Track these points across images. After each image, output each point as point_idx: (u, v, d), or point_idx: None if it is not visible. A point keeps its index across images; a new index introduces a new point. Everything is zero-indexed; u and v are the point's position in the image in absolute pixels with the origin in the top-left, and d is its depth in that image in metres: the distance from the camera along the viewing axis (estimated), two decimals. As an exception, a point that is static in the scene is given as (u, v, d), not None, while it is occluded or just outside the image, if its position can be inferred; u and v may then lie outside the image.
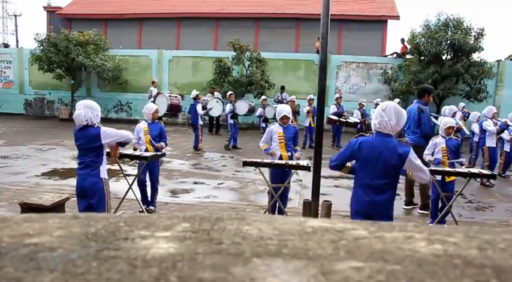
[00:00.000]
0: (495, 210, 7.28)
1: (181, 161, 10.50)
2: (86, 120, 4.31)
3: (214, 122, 16.22)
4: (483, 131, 9.50)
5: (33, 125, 17.12)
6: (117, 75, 18.94)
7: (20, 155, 10.52)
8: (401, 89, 16.52)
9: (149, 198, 6.46)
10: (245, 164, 5.38)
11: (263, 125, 13.94)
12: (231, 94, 13.35)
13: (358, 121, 13.03)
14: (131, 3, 23.76)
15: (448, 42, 15.86)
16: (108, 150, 4.70)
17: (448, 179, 5.85)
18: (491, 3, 72.33)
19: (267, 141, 6.04)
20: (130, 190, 5.58)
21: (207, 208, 6.62)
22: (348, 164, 3.92)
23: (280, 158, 5.86)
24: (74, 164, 9.02)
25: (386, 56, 19.68)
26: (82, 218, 0.93)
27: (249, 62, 17.66)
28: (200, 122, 11.93)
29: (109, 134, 4.37)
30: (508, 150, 9.78)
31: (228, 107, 12.89)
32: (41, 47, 18.01)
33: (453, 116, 9.26)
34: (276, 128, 5.99)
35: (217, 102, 13.34)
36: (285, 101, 16.00)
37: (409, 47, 17.72)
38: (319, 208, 4.76)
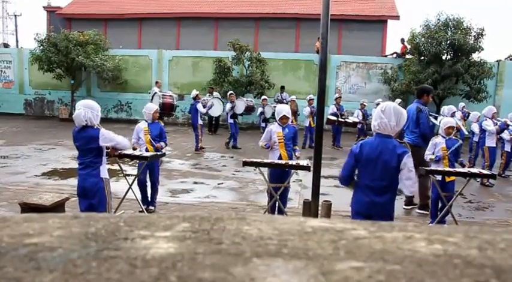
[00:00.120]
0: (495, 210, 7.28)
1: (181, 161, 10.50)
2: (86, 121, 4.32)
3: (214, 122, 16.23)
4: (483, 131, 9.50)
5: (33, 125, 17.12)
6: (117, 75, 18.95)
7: (19, 155, 10.52)
8: (401, 89, 16.52)
9: (149, 198, 6.46)
10: (245, 164, 5.38)
11: (263, 124, 13.96)
12: (231, 94, 13.37)
13: (357, 121, 13.04)
14: (131, 3, 23.76)
15: (448, 42, 15.87)
16: (107, 149, 4.71)
17: (448, 179, 5.85)
18: (491, 3, 72.36)
19: (266, 141, 6.04)
20: (130, 190, 5.57)
21: (207, 208, 6.62)
22: (355, 178, 3.91)
23: (280, 157, 5.86)
24: (74, 164, 9.02)
25: (386, 56, 19.68)
26: (82, 218, 0.93)
27: (249, 62, 17.67)
28: (200, 122, 11.94)
29: (107, 138, 4.38)
30: (509, 150, 9.77)
31: (228, 106, 12.95)
32: (41, 47, 18.01)
33: (452, 115, 9.25)
34: (275, 128, 5.99)
35: (218, 101, 13.35)
36: (284, 101, 16.02)
37: (409, 47, 17.72)
38: (319, 208, 4.76)
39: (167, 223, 0.90)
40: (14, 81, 21.00)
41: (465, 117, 12.27)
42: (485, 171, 5.96)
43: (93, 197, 4.45)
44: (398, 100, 13.74)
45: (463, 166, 6.21)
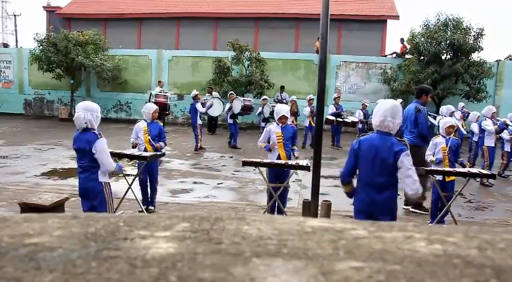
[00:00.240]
0: (495, 210, 7.28)
1: (181, 160, 10.50)
2: (86, 123, 4.31)
3: (213, 122, 16.24)
4: (482, 130, 9.51)
5: (32, 124, 17.11)
6: (117, 75, 18.94)
7: (19, 154, 10.52)
8: (400, 89, 16.52)
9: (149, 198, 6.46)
10: (244, 163, 5.38)
11: (263, 124, 13.96)
12: (231, 94, 13.40)
13: (357, 120, 13.05)
14: (131, 3, 23.76)
15: (448, 42, 15.87)
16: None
17: (448, 179, 5.85)
18: (490, 3, 72.38)
19: (265, 141, 6.04)
20: (130, 190, 5.57)
21: (207, 208, 6.62)
22: (353, 182, 3.91)
23: (278, 157, 5.86)
24: (74, 164, 9.01)
25: (385, 55, 19.69)
26: (81, 218, 0.93)
27: (249, 62, 17.66)
28: (199, 122, 11.96)
29: (98, 151, 4.34)
30: (509, 150, 9.77)
31: (227, 106, 12.99)
32: (41, 47, 17.99)
33: (450, 115, 9.26)
34: (274, 128, 5.99)
35: (216, 101, 13.36)
36: (284, 100, 16.03)
37: (408, 46, 17.71)
38: (319, 208, 4.76)
39: (167, 223, 0.90)
40: (14, 81, 20.99)
41: (465, 117, 12.28)
42: (485, 171, 5.97)
43: (94, 199, 4.48)
44: (400, 100, 13.74)
45: (463, 166, 6.21)
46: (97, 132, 4.35)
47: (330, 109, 13.21)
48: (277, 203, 5.60)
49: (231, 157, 11.21)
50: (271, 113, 11.63)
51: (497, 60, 17.73)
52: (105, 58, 18.45)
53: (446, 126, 6.07)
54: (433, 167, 5.83)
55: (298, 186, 8.08)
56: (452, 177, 5.83)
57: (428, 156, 6.10)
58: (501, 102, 17.04)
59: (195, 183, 8.28)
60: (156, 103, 11.86)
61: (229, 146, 12.74)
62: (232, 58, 17.65)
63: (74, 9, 24.31)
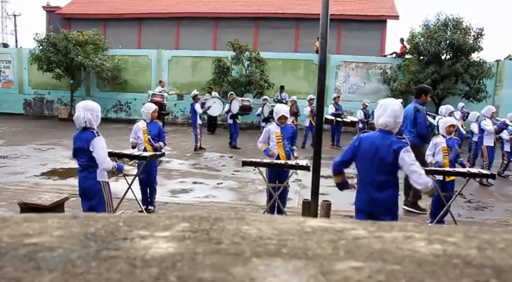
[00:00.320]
0: (494, 210, 7.28)
1: (181, 160, 10.50)
2: (85, 122, 4.32)
3: (213, 122, 16.25)
4: (482, 130, 9.51)
5: (32, 124, 17.11)
6: (116, 75, 18.94)
7: (19, 154, 10.51)
8: (400, 89, 16.52)
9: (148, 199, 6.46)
10: (244, 163, 5.38)
11: (263, 124, 13.98)
12: (231, 94, 13.42)
13: (356, 120, 13.05)
14: (130, 3, 23.75)
15: (448, 42, 15.87)
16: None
17: (448, 179, 5.85)
18: (490, 3, 72.37)
19: (264, 141, 6.03)
20: (130, 190, 5.57)
21: (206, 208, 6.61)
22: (344, 172, 3.93)
23: (278, 157, 5.85)
24: (73, 164, 9.01)
25: (385, 55, 19.69)
26: (81, 218, 0.93)
27: (249, 62, 17.66)
28: (199, 122, 11.99)
29: (96, 150, 4.33)
30: (509, 150, 9.78)
31: (227, 106, 13.02)
32: (40, 47, 17.99)
33: (449, 115, 9.26)
34: (273, 128, 5.99)
35: (216, 102, 13.36)
36: (284, 100, 16.03)
37: (408, 46, 17.71)
38: (319, 208, 4.76)
39: (166, 223, 0.90)
40: (14, 81, 20.98)
41: (464, 117, 12.28)
42: (484, 171, 5.97)
43: (92, 198, 4.48)
44: (400, 100, 13.73)
45: (463, 166, 6.21)
46: (95, 131, 4.35)
47: (329, 109, 13.22)
48: (277, 203, 5.60)
49: (231, 157, 11.21)
50: (271, 112, 11.63)
51: (497, 60, 17.73)
52: (105, 58, 18.44)
53: (446, 126, 6.05)
54: (432, 167, 5.83)
55: (298, 186, 8.08)
56: (452, 177, 5.83)
57: (428, 156, 6.10)
58: (501, 102, 17.04)
59: (194, 183, 8.28)
60: (152, 102, 11.91)
61: (230, 146, 12.76)
62: (232, 58, 17.65)
63: (73, 9, 24.30)
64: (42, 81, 19.91)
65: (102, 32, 21.03)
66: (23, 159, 10.05)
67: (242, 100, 12.79)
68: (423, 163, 6.04)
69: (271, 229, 0.87)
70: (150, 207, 6.36)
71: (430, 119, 8.32)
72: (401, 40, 18.64)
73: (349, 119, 12.92)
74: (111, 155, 4.82)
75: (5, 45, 25.77)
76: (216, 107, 13.27)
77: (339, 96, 14.22)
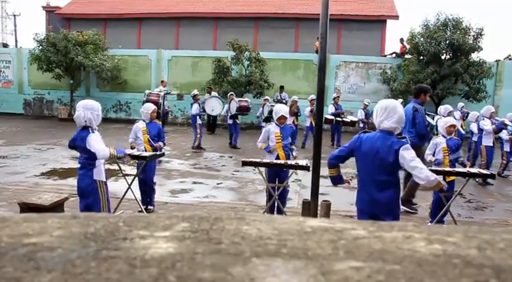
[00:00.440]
0: (494, 210, 7.29)
1: (181, 160, 10.49)
2: (85, 121, 4.34)
3: (212, 122, 16.26)
4: (481, 130, 9.52)
5: (32, 124, 17.10)
6: (116, 75, 18.95)
7: (19, 154, 10.51)
8: (400, 89, 16.53)
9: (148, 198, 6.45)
10: (244, 163, 5.38)
11: (263, 124, 13.98)
12: (231, 94, 13.44)
13: (356, 120, 13.06)
14: (130, 3, 23.75)
15: (447, 42, 15.88)
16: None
17: (447, 179, 5.85)
18: (490, 3, 72.38)
19: (264, 141, 6.03)
20: (129, 190, 5.57)
21: (206, 208, 6.61)
22: (340, 166, 3.93)
23: (277, 157, 5.85)
24: (73, 164, 9.02)
25: (385, 55, 19.70)
26: (81, 218, 0.93)
27: (248, 62, 17.66)
28: (198, 121, 12.04)
29: (90, 144, 4.36)
30: (508, 150, 9.79)
31: (226, 107, 13.06)
32: (40, 47, 17.99)
33: (448, 115, 9.26)
34: (273, 128, 5.99)
35: (216, 101, 13.37)
36: (284, 100, 16.04)
37: (408, 46, 17.72)
38: (319, 208, 4.76)
39: (166, 223, 0.90)
40: (13, 81, 20.98)
41: (464, 117, 12.29)
42: (484, 171, 5.96)
43: (87, 197, 4.53)
44: (400, 100, 13.73)
45: (464, 166, 6.20)
46: (90, 129, 4.37)
47: (329, 109, 13.24)
48: (276, 203, 5.60)
49: (231, 157, 11.21)
50: (270, 112, 11.63)
51: (496, 60, 17.74)
52: (105, 58, 18.45)
53: (447, 126, 6.05)
54: (432, 167, 5.82)
55: (298, 186, 8.07)
56: (452, 177, 5.83)
57: (428, 156, 6.10)
58: (500, 102, 17.05)
59: (194, 183, 8.28)
60: (148, 102, 11.93)
61: (230, 146, 12.77)
62: (232, 58, 17.65)
63: (73, 9, 24.30)
64: (42, 81, 19.91)
65: (102, 32, 21.03)
66: (22, 159, 10.05)
67: (240, 101, 12.78)
68: (422, 162, 6.05)
69: (271, 229, 0.87)
70: (149, 207, 6.35)
71: (429, 119, 8.33)
72: (401, 40, 18.65)
73: (349, 118, 12.93)
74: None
75: (5, 45, 25.76)
76: (216, 107, 13.28)
77: (338, 96, 14.23)
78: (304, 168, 5.22)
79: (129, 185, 5.57)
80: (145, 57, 19.76)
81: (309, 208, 4.64)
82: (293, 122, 11.95)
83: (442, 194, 5.56)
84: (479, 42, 16.14)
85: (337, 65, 18.49)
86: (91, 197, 4.51)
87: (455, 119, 9.80)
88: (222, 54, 18.24)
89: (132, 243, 0.77)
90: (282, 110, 6.01)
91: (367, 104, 14.28)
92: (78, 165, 4.63)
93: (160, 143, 6.55)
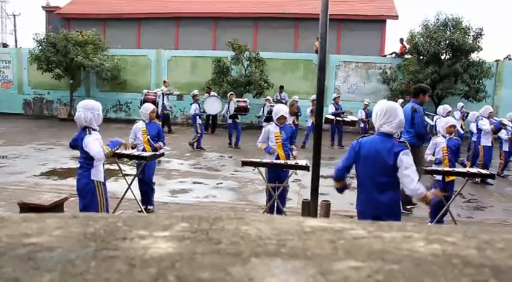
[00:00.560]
0: (494, 210, 7.29)
1: (180, 160, 10.49)
2: (86, 122, 4.34)
3: (211, 122, 16.25)
4: (479, 130, 9.53)
5: (32, 124, 17.10)
6: (116, 75, 18.93)
7: (18, 154, 10.51)
8: (400, 89, 16.53)
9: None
10: (244, 163, 5.38)
11: (264, 124, 13.99)
12: (231, 94, 13.45)
13: (356, 120, 13.07)
14: (130, 3, 23.73)
15: (447, 42, 15.88)
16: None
17: (447, 179, 5.85)
18: (490, 3, 72.37)
19: (264, 141, 6.03)
20: (129, 190, 5.57)
21: (206, 208, 6.61)
22: (346, 177, 3.90)
23: (278, 157, 5.85)
24: (73, 164, 9.02)
25: (385, 55, 19.70)
26: (81, 218, 0.93)
27: (248, 62, 17.66)
28: (198, 121, 12.08)
29: (86, 145, 4.36)
30: (507, 150, 9.80)
31: (226, 107, 13.08)
32: (40, 47, 17.99)
33: (447, 115, 9.26)
34: (272, 128, 5.99)
35: (215, 100, 13.37)
36: (283, 100, 16.04)
37: (408, 46, 17.72)
38: (318, 208, 4.76)
39: (166, 223, 0.90)
40: (13, 81, 20.97)
41: (464, 117, 12.30)
42: (484, 171, 5.97)
43: (84, 196, 4.54)
44: (401, 100, 13.72)
45: (464, 166, 6.20)
46: (87, 130, 4.36)
47: (329, 109, 13.25)
48: (276, 203, 5.60)
49: (230, 157, 11.21)
50: (269, 112, 11.63)
51: (496, 60, 17.74)
52: (105, 58, 18.43)
53: (447, 126, 6.05)
54: (433, 167, 5.83)
55: (298, 186, 8.08)
56: (452, 177, 5.83)
57: (428, 155, 6.10)
58: (500, 102, 17.05)
59: (194, 183, 8.28)
60: (146, 100, 11.95)
61: (229, 146, 12.77)
62: (232, 58, 17.65)
63: (73, 9, 24.29)
64: (42, 81, 19.90)
65: (102, 32, 21.03)
66: (22, 159, 10.05)
67: (238, 101, 12.79)
68: (421, 163, 6.05)
69: (271, 229, 0.87)
70: (149, 207, 6.35)
71: (428, 120, 8.31)
72: (401, 40, 18.66)
73: (349, 118, 12.94)
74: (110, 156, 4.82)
75: (5, 45, 25.74)
76: (215, 106, 13.29)
77: (339, 96, 14.24)
78: (304, 168, 5.22)
79: (129, 185, 5.57)
80: (145, 57, 19.75)
81: (309, 208, 4.64)
82: (293, 122, 11.96)
83: (442, 194, 5.56)
84: (478, 42, 16.14)
85: (337, 65, 18.49)
86: (88, 197, 4.51)
87: (455, 119, 9.80)
88: (221, 54, 18.23)
89: (132, 243, 0.77)
90: (281, 110, 6.01)
91: (367, 103, 14.28)
92: (78, 165, 4.64)
93: (161, 143, 6.54)
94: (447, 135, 6.05)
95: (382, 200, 3.64)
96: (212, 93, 15.32)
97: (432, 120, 10.41)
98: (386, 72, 17.81)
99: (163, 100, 14.21)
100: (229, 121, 12.86)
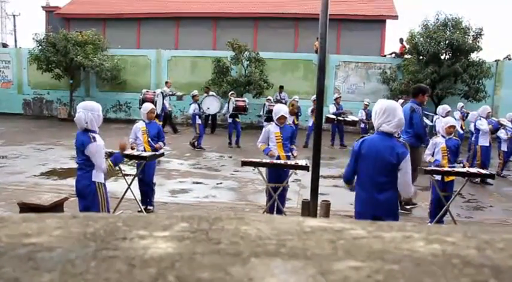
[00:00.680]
0: (494, 210, 7.29)
1: (180, 160, 10.49)
2: (86, 123, 4.31)
3: (210, 122, 16.25)
4: (477, 130, 9.54)
5: (31, 124, 17.10)
6: (116, 75, 18.93)
7: (18, 154, 10.51)
8: (400, 89, 16.53)
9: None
10: (244, 163, 5.38)
11: (264, 124, 13.99)
12: (232, 94, 13.45)
13: (357, 119, 13.08)
14: (130, 3, 23.72)
15: (447, 42, 15.88)
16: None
17: (447, 179, 5.85)
18: (490, 3, 72.36)
19: (264, 141, 6.03)
20: (129, 190, 5.57)
21: (206, 208, 6.61)
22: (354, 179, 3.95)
23: (278, 158, 5.85)
24: (73, 164, 9.01)
25: (385, 55, 19.70)
26: (80, 218, 0.93)
27: (248, 62, 17.66)
28: (198, 121, 12.09)
29: (91, 154, 4.34)
30: (506, 150, 9.81)
31: (226, 106, 13.08)
32: (40, 47, 17.98)
33: (446, 115, 9.26)
34: (273, 128, 5.98)
35: (213, 100, 13.38)
36: (283, 100, 16.04)
37: (407, 46, 17.73)
38: (318, 208, 4.76)
39: (166, 223, 0.90)
40: (13, 81, 20.97)
41: (464, 117, 12.30)
42: (484, 171, 5.97)
43: (86, 198, 4.50)
44: (401, 100, 13.73)
45: (463, 166, 6.20)
46: (91, 136, 4.32)
47: (330, 109, 13.26)
48: (276, 203, 5.60)
49: (230, 157, 11.21)
50: (267, 111, 11.63)
51: (496, 60, 17.74)
52: (104, 58, 18.43)
53: (447, 126, 6.05)
54: (432, 167, 5.83)
55: (298, 186, 8.08)
56: (451, 177, 5.83)
57: (427, 156, 6.10)
58: (500, 102, 17.05)
59: (194, 183, 8.28)
60: (144, 100, 11.95)
61: (229, 146, 12.77)
62: (232, 58, 17.65)
63: (73, 9, 24.28)
64: (42, 81, 19.90)
65: (102, 32, 21.02)
66: (22, 159, 10.04)
67: (237, 100, 12.79)
68: (419, 163, 6.05)
69: (271, 229, 0.87)
70: (149, 208, 6.35)
71: (426, 121, 8.30)
72: (401, 40, 18.66)
73: (350, 118, 12.95)
74: (111, 155, 4.82)
75: (4, 45, 25.73)
76: (213, 105, 13.29)
77: (340, 97, 14.25)
78: (304, 168, 5.22)
79: (129, 185, 5.57)
80: (145, 57, 19.75)
81: (309, 208, 4.64)
82: (293, 122, 11.97)
83: (442, 194, 5.57)
84: (478, 42, 16.15)
85: (336, 65, 18.49)
86: (89, 198, 4.47)
87: (455, 119, 9.81)
88: (221, 54, 18.23)
89: (132, 243, 0.77)
90: (282, 110, 6.01)
91: (367, 104, 14.29)
92: (77, 166, 4.60)
93: (161, 143, 6.54)
94: (447, 135, 6.05)
95: (381, 199, 3.65)
96: (211, 93, 15.32)
97: (432, 120, 10.40)
98: (386, 72, 17.82)
99: (163, 100, 14.20)
100: (229, 120, 12.87)
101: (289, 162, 5.53)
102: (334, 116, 12.58)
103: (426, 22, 16.74)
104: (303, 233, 0.85)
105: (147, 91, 12.89)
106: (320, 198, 4.84)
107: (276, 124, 5.99)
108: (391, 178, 3.66)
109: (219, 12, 22.28)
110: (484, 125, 9.30)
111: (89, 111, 4.34)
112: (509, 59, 18.26)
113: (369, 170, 3.68)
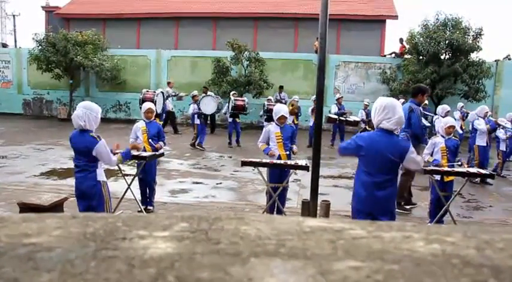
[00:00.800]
0: (493, 209, 7.29)
1: (180, 160, 10.49)
2: (84, 121, 4.29)
3: (209, 122, 16.24)
4: (475, 130, 9.54)
5: (31, 124, 17.10)
6: (116, 75, 18.94)
7: (18, 154, 10.50)
8: (399, 89, 16.53)
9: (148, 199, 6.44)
10: (244, 163, 5.37)
11: (265, 124, 13.99)
12: (233, 93, 13.45)
13: (359, 120, 13.08)
14: (130, 3, 23.72)
15: (447, 42, 15.89)
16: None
17: (446, 179, 5.85)
18: (490, 3, 72.36)
19: (264, 141, 6.03)
20: (129, 190, 5.57)
21: (206, 208, 6.61)
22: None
23: (279, 157, 5.85)
24: (72, 164, 9.01)
25: (385, 55, 19.71)
26: (80, 218, 0.93)
27: (248, 62, 17.67)
28: (197, 121, 12.11)
29: (99, 153, 4.33)
30: (504, 150, 9.81)
31: (226, 106, 13.08)
32: (40, 47, 17.99)
33: (445, 115, 9.26)
34: (273, 128, 5.98)
35: (211, 100, 13.37)
36: (283, 100, 16.04)
37: (407, 46, 17.73)
38: (318, 208, 4.76)
39: (165, 223, 0.90)
40: (13, 81, 20.97)
41: (464, 117, 12.30)
42: (484, 171, 5.96)
43: (92, 199, 4.44)
44: (402, 100, 13.71)
45: (460, 164, 6.20)
46: (95, 135, 4.31)
47: (332, 109, 13.28)
48: (276, 203, 5.60)
49: (230, 157, 11.21)
50: (267, 111, 11.63)
51: (496, 60, 17.75)
52: (104, 58, 18.44)
53: (446, 127, 6.05)
54: (431, 167, 5.83)
55: (298, 186, 8.07)
56: (451, 177, 5.82)
57: (426, 155, 6.09)
58: (500, 102, 17.05)
59: (194, 183, 8.28)
60: (144, 100, 11.95)
61: (229, 146, 12.77)
62: (231, 58, 17.66)
63: (72, 9, 24.28)
64: (42, 81, 19.91)
65: (101, 32, 21.02)
66: (22, 159, 10.04)
67: (236, 99, 12.79)
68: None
69: (270, 229, 0.87)
70: (149, 207, 6.35)
71: (424, 121, 8.28)
72: (401, 40, 18.67)
73: (351, 118, 12.96)
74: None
75: (4, 45, 25.73)
76: (210, 105, 13.28)
77: (342, 97, 14.25)
78: (304, 168, 5.22)
79: (129, 185, 5.57)
80: (145, 57, 19.75)
81: (309, 208, 4.64)
82: (293, 122, 11.97)
83: (442, 194, 5.57)
84: (478, 42, 16.16)
85: (336, 65, 18.50)
86: (96, 198, 4.43)
87: (455, 119, 9.81)
88: (221, 54, 18.24)
89: (131, 243, 0.77)
90: (282, 110, 6.01)
91: (367, 104, 14.31)
92: (75, 168, 4.53)
93: (161, 143, 6.54)
94: (446, 135, 6.05)
95: (380, 196, 3.66)
96: (209, 92, 15.31)
97: (431, 121, 10.40)
98: (386, 72, 17.82)
99: (165, 100, 14.19)
100: (230, 120, 12.87)
101: (289, 162, 5.53)
102: (336, 116, 12.59)
103: (426, 22, 16.75)
104: (303, 233, 0.85)
105: (147, 91, 12.90)
106: (320, 198, 4.84)
107: (276, 124, 5.99)
108: (391, 176, 3.67)
109: (219, 12, 22.28)
110: (481, 124, 9.30)
111: (87, 110, 4.33)
112: (509, 59, 18.27)
113: (370, 168, 3.68)
